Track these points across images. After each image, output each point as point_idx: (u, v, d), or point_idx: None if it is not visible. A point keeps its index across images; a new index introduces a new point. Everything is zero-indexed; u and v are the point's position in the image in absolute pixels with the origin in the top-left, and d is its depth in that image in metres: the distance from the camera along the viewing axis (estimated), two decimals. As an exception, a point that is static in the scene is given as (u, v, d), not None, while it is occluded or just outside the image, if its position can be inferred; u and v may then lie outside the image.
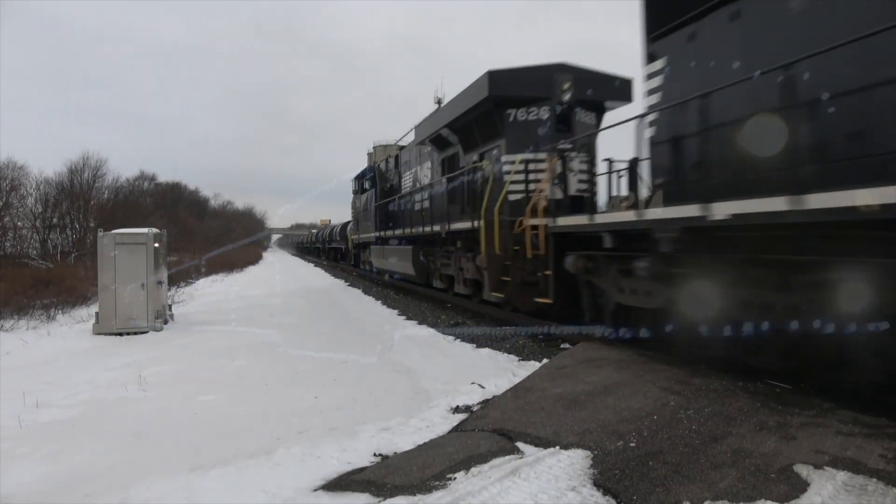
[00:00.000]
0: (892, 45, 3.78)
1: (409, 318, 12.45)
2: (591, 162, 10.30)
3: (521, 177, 10.08)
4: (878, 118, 4.04)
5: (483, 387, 5.92)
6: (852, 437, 3.57)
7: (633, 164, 6.57)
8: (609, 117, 11.13)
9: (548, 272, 8.28)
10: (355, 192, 25.64)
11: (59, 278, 19.04)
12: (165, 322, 11.89)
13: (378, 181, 20.93)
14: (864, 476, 3.07)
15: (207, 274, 29.70)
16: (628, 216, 6.24)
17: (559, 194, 8.51)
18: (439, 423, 4.92)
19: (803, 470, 3.19)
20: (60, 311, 14.46)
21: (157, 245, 11.60)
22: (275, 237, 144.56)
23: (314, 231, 65.24)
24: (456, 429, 4.59)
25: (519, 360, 7.68)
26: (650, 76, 6.52)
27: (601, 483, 3.27)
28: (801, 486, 3.03)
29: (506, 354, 8.16)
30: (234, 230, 75.45)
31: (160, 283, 11.78)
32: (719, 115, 5.32)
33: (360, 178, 24.53)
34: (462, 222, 11.66)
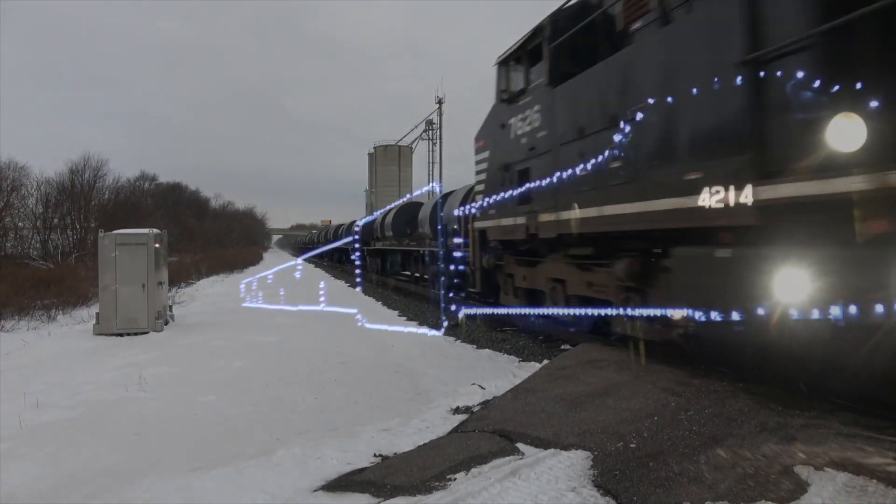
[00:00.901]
0: None
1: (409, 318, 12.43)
2: None
3: None
4: None
5: (483, 388, 5.92)
6: (853, 438, 3.56)
7: None
8: None
9: None
10: (504, 100, 8.63)
11: (59, 279, 19.06)
12: (166, 323, 11.90)
13: None
14: (864, 477, 3.07)
15: (208, 274, 29.76)
16: None
17: None
18: (439, 423, 4.92)
19: (804, 471, 3.18)
20: (61, 312, 14.49)
21: (157, 245, 11.61)
22: (275, 238, 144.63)
23: (330, 228, 49.58)
24: (456, 429, 4.58)
25: (519, 360, 7.68)
26: None
27: (601, 484, 3.26)
28: (802, 488, 3.02)
29: (506, 355, 8.15)
30: (235, 230, 75.65)
31: (161, 283, 11.79)
32: None
33: (545, 28, 7.42)
34: None
